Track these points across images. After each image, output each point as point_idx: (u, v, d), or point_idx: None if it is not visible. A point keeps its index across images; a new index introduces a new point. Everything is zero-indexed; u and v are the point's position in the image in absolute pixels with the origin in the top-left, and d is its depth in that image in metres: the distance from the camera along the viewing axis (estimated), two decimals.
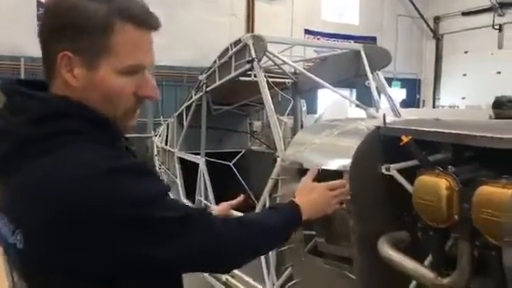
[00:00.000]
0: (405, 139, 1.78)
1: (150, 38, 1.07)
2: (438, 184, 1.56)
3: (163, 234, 0.97)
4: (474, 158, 1.74)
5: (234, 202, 1.62)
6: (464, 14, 15.28)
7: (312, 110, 12.07)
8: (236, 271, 3.30)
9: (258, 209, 2.89)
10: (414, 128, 1.89)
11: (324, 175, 2.26)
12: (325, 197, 1.48)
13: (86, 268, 0.91)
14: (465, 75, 15.37)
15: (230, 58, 3.43)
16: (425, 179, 1.63)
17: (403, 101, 14.25)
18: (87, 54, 0.99)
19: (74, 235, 0.89)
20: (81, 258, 0.90)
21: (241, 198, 1.65)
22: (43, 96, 1.01)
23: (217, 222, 1.11)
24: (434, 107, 15.91)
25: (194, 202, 4.45)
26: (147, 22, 1.05)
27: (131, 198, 0.93)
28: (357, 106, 3.70)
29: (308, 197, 1.44)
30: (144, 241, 0.94)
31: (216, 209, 1.61)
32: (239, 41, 3.27)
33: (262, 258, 2.84)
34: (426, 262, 1.75)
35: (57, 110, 0.98)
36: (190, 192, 4.66)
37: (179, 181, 4.98)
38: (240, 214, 1.44)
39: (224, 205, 1.61)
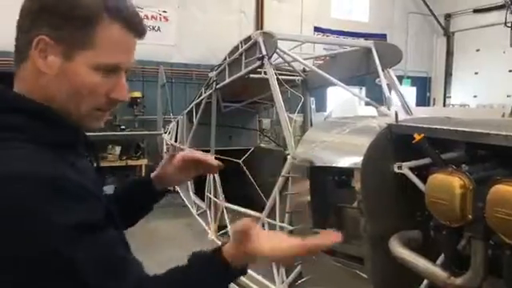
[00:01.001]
0: (417, 137, 1.77)
1: (133, 43, 1.03)
2: (451, 183, 1.55)
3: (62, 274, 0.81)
4: (487, 156, 1.72)
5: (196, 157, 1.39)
6: (475, 11, 15.09)
7: (321, 107, 12.03)
8: None
9: (267, 206, 2.88)
10: (426, 126, 1.87)
11: (336, 173, 2.26)
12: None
13: None
14: (476, 73, 15.19)
15: (241, 55, 3.43)
16: (438, 178, 1.61)
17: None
18: (67, 43, 0.94)
19: None
20: None
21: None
22: None
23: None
24: (444, 105, 15.75)
25: (203, 198, 4.46)
26: (134, 27, 1.01)
27: (45, 219, 0.80)
28: (367, 103, 3.67)
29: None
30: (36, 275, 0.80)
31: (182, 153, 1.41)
32: (249, 38, 3.26)
33: None
34: (439, 262, 1.74)
35: None
36: (200, 189, 4.67)
37: None
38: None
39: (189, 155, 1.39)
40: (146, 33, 1.07)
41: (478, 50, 15.19)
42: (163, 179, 1.40)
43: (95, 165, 1.14)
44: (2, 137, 0.88)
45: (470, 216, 1.53)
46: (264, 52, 2.97)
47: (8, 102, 0.94)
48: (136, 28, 1.02)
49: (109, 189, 1.37)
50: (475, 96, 14.96)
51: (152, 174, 1.41)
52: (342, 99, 10.36)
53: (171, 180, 1.42)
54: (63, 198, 0.83)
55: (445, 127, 1.80)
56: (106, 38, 0.96)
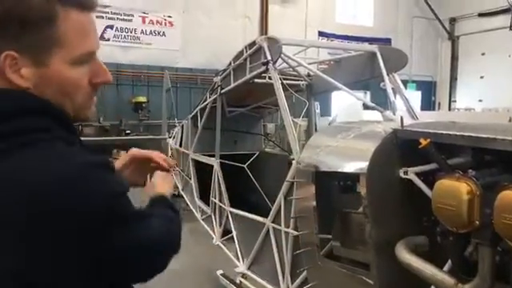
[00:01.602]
0: (424, 142, 1.76)
1: (93, 19, 1.00)
2: (458, 188, 1.53)
3: (132, 225, 0.96)
4: (494, 161, 1.71)
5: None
6: (480, 15, 15.06)
7: (326, 112, 12.03)
8: (250, 274, 3.29)
9: (272, 211, 2.88)
10: (432, 131, 1.86)
11: (341, 178, 2.25)
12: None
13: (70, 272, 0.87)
14: (482, 77, 15.14)
15: (245, 60, 3.43)
16: (445, 183, 1.60)
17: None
18: (34, 50, 0.90)
19: (59, 239, 0.85)
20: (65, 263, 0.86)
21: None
22: (4, 90, 0.92)
23: (154, 219, 1.09)
24: (449, 110, 15.71)
25: (208, 203, 4.46)
26: (88, 4, 0.97)
27: (112, 191, 0.93)
28: (372, 108, 3.66)
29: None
30: (117, 230, 0.92)
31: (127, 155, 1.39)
32: (254, 43, 3.27)
33: (277, 260, 2.83)
34: (446, 268, 1.72)
35: (24, 106, 0.91)
36: (204, 193, 4.67)
37: (193, 182, 5.00)
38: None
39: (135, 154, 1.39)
40: (98, 3, 1.03)
41: (483, 54, 15.15)
42: None
43: None
44: (37, 137, 0.90)
45: (477, 222, 1.52)
46: (269, 57, 2.97)
47: (35, 104, 0.93)
48: (91, 5, 0.98)
49: None
50: (480, 100, 14.90)
51: None
52: (346, 104, 10.34)
53: None
54: (113, 174, 0.99)
55: (451, 132, 1.79)
56: (70, 29, 0.93)
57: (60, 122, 0.96)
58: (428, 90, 16.53)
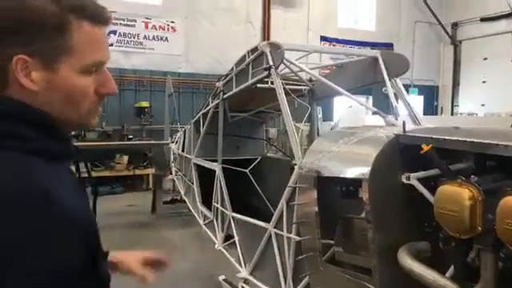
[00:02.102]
0: (426, 148, 1.76)
1: (104, 33, 1.03)
2: (460, 194, 1.53)
3: None
4: (497, 167, 1.71)
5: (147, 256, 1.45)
6: (483, 19, 15.07)
7: (328, 116, 12.03)
8: (252, 279, 3.29)
9: (274, 217, 2.88)
10: (434, 136, 1.86)
11: (343, 183, 2.25)
12: None
13: None
14: (484, 82, 15.12)
15: (248, 65, 3.44)
16: (447, 189, 1.60)
17: None
18: (45, 55, 0.93)
19: None
20: None
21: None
22: None
23: None
24: (452, 114, 15.70)
25: (210, 208, 4.46)
26: (102, 18, 1.01)
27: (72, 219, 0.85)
28: (374, 113, 3.66)
29: None
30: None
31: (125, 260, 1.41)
32: (256, 48, 3.28)
33: (279, 266, 2.82)
34: (448, 274, 1.72)
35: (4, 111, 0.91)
36: (206, 198, 4.67)
37: (196, 187, 5.00)
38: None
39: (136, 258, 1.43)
40: (112, 18, 1.05)
41: (485, 59, 15.14)
42: (116, 266, 1.38)
43: (87, 175, 1.17)
44: (6, 145, 0.88)
45: (479, 228, 1.52)
46: (271, 62, 2.98)
47: (14, 109, 0.93)
48: (104, 19, 1.01)
49: None
50: (483, 105, 14.88)
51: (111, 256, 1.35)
52: (347, 109, 10.35)
53: (120, 270, 1.39)
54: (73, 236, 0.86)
55: (453, 138, 1.79)
56: (80, 39, 0.96)
57: (42, 128, 0.94)
58: (430, 95, 16.52)
